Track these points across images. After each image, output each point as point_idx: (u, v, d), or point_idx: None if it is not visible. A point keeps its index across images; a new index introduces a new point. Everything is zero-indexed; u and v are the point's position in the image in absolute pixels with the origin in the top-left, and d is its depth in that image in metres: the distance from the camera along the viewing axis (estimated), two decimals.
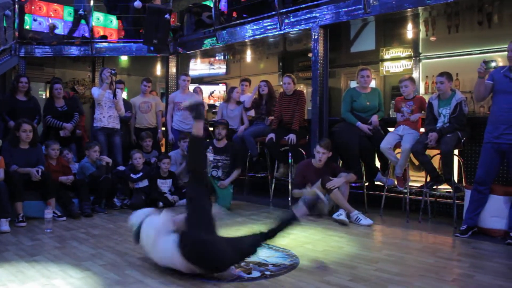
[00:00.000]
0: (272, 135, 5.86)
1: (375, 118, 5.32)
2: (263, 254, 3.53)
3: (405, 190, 5.05)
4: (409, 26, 7.59)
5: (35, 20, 9.75)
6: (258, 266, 3.25)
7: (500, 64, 5.79)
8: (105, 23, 11.02)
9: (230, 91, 7.10)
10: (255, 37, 6.63)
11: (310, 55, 6.09)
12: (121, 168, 5.94)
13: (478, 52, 6.98)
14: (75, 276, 3.02)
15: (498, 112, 4.13)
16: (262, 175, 6.62)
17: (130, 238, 4.05)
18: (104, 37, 9.89)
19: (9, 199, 4.60)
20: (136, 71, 10.63)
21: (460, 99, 4.67)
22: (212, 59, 10.70)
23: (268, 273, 3.11)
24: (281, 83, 7.00)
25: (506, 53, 4.19)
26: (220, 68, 10.96)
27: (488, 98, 4.47)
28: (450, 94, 4.78)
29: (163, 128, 7.69)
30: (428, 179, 4.91)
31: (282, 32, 6.24)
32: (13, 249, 3.72)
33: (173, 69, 8.47)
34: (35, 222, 4.73)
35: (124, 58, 10.05)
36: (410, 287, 2.84)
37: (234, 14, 7.64)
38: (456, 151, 4.85)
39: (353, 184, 5.40)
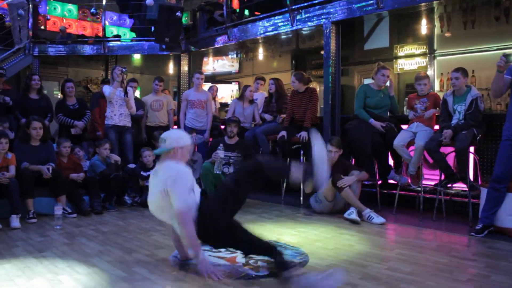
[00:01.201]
0: (283, 133, 5.79)
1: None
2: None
3: (419, 189, 4.94)
4: (424, 22, 7.48)
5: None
6: (267, 264, 3.19)
7: None
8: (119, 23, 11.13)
9: (244, 89, 7.05)
10: (267, 34, 6.57)
11: (322, 52, 6.02)
12: (132, 165, 5.93)
13: (495, 48, 6.84)
14: (82, 272, 3.00)
15: None
16: None
17: (139, 236, 4.05)
18: (117, 36, 9.94)
19: (20, 195, 4.62)
20: (149, 70, 10.67)
21: (475, 95, 4.55)
22: (224, 57, 10.66)
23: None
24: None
25: None
26: (232, 67, 10.94)
27: (506, 95, 4.36)
28: (465, 90, 4.66)
29: (175, 126, 7.68)
30: (443, 177, 4.79)
31: (294, 28, 6.18)
32: (22, 245, 3.72)
33: (185, 68, 8.46)
34: (46, 219, 4.74)
35: (137, 57, 10.08)
36: (423, 286, 2.75)
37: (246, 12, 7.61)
38: (471, 149, 4.73)
39: (366, 182, 5.31)
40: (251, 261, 3.25)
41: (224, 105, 9.70)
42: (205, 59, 10.57)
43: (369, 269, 3.11)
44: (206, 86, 8.34)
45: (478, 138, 4.53)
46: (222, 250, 3.52)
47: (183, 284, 2.79)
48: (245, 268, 3.09)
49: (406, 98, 5.95)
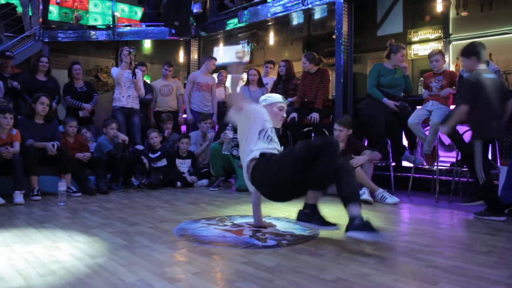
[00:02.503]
0: (294, 115, 5.64)
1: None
2: (280, 226, 3.34)
3: (434, 169, 4.76)
4: (439, 5, 7.26)
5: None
6: (274, 236, 3.05)
7: None
8: (129, 15, 11.02)
9: (248, 73, 6.92)
10: (277, 14, 6.42)
11: (334, 37, 5.85)
12: (140, 147, 5.82)
13: None
14: (81, 241, 2.87)
15: None
16: None
17: (144, 211, 3.93)
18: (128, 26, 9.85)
19: (25, 172, 4.53)
20: (159, 58, 10.55)
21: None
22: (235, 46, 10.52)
23: (285, 242, 2.90)
24: None
25: None
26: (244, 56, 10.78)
27: None
28: None
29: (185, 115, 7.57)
30: (459, 158, 4.60)
31: (305, 7, 6.03)
32: (24, 218, 3.62)
33: (195, 55, 8.36)
34: (50, 197, 4.65)
35: (147, 46, 9.99)
36: (441, 256, 2.58)
37: None
38: None
39: (379, 164, 5.14)
40: (258, 233, 3.11)
41: None
42: (215, 48, 10.43)
43: (383, 241, 2.94)
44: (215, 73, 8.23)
45: None
46: (228, 223, 3.40)
47: (184, 252, 2.65)
48: (252, 239, 2.95)
49: (421, 78, 5.76)
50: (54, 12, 9.45)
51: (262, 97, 3.40)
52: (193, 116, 6.71)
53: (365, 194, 4.50)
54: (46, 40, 8.32)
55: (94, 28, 8.65)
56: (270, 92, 6.58)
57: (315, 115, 5.43)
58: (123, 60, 6.09)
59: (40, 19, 8.34)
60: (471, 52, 3.89)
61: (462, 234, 3.16)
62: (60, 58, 9.54)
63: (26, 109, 5.03)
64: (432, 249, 2.73)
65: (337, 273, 2.24)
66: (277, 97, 3.36)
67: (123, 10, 11.07)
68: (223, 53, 10.57)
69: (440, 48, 7.49)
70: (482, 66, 3.85)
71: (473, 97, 3.71)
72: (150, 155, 5.66)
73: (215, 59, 6.96)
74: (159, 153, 5.67)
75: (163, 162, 5.68)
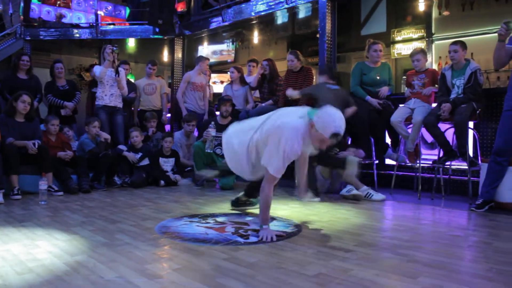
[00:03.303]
0: None
1: (384, 89, 5.07)
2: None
3: (417, 166, 4.79)
4: (421, 5, 7.33)
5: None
6: (256, 233, 3.04)
7: None
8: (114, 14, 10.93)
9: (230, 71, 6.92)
10: (261, 13, 6.41)
11: (318, 35, 5.86)
12: (122, 147, 5.76)
13: (494, 31, 6.66)
14: (61, 239, 2.83)
15: None
16: None
17: (126, 210, 3.89)
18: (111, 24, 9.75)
19: (4, 171, 4.47)
20: (143, 57, 10.46)
21: (475, 68, 4.40)
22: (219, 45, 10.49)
23: None
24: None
25: None
26: (228, 55, 10.76)
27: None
28: (464, 63, 4.51)
29: (169, 115, 7.52)
30: (441, 155, 4.64)
31: (289, 6, 6.03)
32: (3, 217, 3.56)
33: (179, 53, 8.30)
34: (31, 196, 4.59)
35: (131, 45, 9.90)
36: (422, 251, 2.59)
37: None
38: (471, 124, 4.59)
39: (362, 162, 5.16)
40: (240, 230, 3.10)
41: (218, 95, 9.53)
42: (200, 47, 10.39)
43: (365, 237, 2.95)
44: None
45: (477, 112, 4.38)
46: (211, 220, 3.40)
47: (166, 248, 2.63)
48: (234, 236, 2.94)
49: (404, 77, 5.80)
50: (36, 10, 9.34)
51: (321, 116, 2.77)
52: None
53: (354, 190, 4.52)
54: (28, 38, 8.20)
55: (77, 26, 8.54)
56: (254, 90, 6.58)
57: None
58: (106, 58, 6.03)
59: (21, 17, 8.23)
60: (323, 71, 5.10)
61: (443, 230, 3.18)
62: (42, 57, 9.42)
63: (7, 107, 4.94)
64: (413, 245, 2.74)
65: (319, 268, 2.24)
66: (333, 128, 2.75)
67: (106, 8, 10.98)
68: (208, 52, 10.54)
69: (422, 47, 7.57)
70: (331, 82, 4.93)
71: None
72: (134, 155, 5.62)
73: (208, 59, 7.01)
74: (140, 154, 5.62)
75: (145, 161, 5.64)
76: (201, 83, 6.78)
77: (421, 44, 7.56)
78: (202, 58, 6.87)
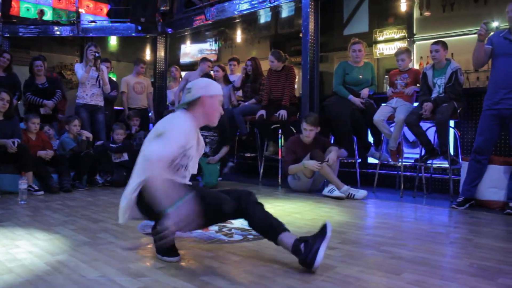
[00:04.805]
0: (262, 112, 5.63)
1: (365, 91, 5.12)
2: (246, 222, 3.31)
3: (399, 164, 4.84)
4: (403, 5, 7.41)
5: None
6: (240, 231, 3.03)
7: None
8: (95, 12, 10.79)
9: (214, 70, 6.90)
10: (244, 12, 6.40)
11: (301, 35, 5.87)
12: (100, 142, 5.69)
13: (474, 32, 6.77)
14: (42, 238, 2.78)
15: (497, 76, 3.93)
16: (252, 155, 6.41)
17: (108, 209, 3.85)
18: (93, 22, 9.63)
19: None
20: (125, 56, 10.37)
21: (455, 68, 4.46)
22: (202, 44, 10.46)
23: (250, 236, 2.88)
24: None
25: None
26: (211, 54, 10.72)
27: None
28: (445, 63, 4.57)
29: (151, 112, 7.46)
30: (423, 154, 4.70)
31: (272, 4, 6.02)
32: None
33: (161, 52, 8.22)
34: (10, 196, 4.49)
35: (113, 43, 9.79)
36: (405, 248, 2.62)
37: None
38: (452, 123, 4.65)
39: (345, 161, 5.19)
40: (224, 229, 3.09)
41: None
42: (182, 45, 10.34)
43: (349, 235, 2.97)
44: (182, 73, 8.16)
45: (458, 111, 4.44)
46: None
47: (149, 247, 2.60)
48: (218, 235, 2.93)
49: (386, 76, 5.85)
50: (15, 7, 9.17)
51: (196, 84, 2.47)
52: None
53: (336, 191, 4.54)
54: (6, 35, 8.04)
55: (57, 23, 8.41)
56: (239, 90, 6.57)
57: (283, 113, 5.43)
58: (88, 59, 5.93)
59: (0, 13, 8.07)
60: None
61: (426, 227, 3.22)
62: (21, 54, 9.25)
63: None
64: (396, 242, 2.77)
65: None
66: (218, 88, 2.52)
67: (88, 6, 10.84)
68: (190, 51, 10.51)
69: (401, 47, 7.64)
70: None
71: None
72: (112, 145, 5.56)
73: (210, 61, 6.98)
74: (120, 144, 5.56)
75: (125, 157, 5.56)
76: None
77: (403, 45, 7.63)
78: (204, 60, 6.90)
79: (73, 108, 6.35)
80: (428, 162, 4.67)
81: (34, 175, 4.82)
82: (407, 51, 5.06)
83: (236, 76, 7.01)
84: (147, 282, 2.00)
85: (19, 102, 6.23)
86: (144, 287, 1.93)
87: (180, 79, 7.58)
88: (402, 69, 5.01)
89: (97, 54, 5.88)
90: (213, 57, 10.75)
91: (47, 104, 6.09)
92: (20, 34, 8.09)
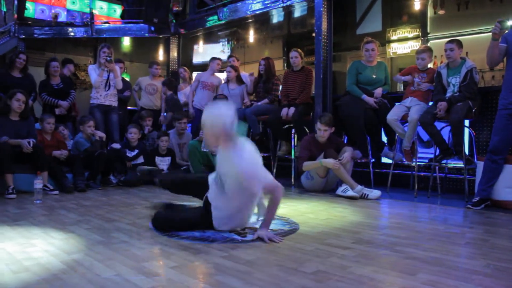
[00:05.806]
0: (292, 110, 5.55)
1: (379, 91, 5.08)
2: (259, 222, 3.32)
3: (413, 164, 4.80)
4: (417, 4, 7.34)
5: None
6: (254, 231, 3.03)
7: None
8: (108, 13, 10.86)
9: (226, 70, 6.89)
10: (257, 11, 6.40)
11: (314, 35, 5.85)
12: (116, 145, 5.73)
13: (489, 30, 6.68)
14: (57, 238, 2.81)
15: None
16: (265, 155, 6.39)
17: (122, 208, 3.88)
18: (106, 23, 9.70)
19: None
20: (138, 57, 10.41)
21: (470, 67, 4.42)
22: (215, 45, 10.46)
23: None
24: (285, 68, 6.79)
25: None
26: (223, 55, 10.72)
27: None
28: (459, 62, 4.53)
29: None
30: (437, 153, 4.65)
31: (284, 4, 6.01)
32: None
33: (174, 52, 8.28)
34: (26, 195, 4.55)
35: (126, 44, 9.84)
36: (420, 248, 2.59)
37: None
38: (467, 123, 4.60)
39: (358, 161, 5.16)
40: (238, 228, 3.09)
41: None
42: (195, 46, 10.35)
43: (363, 235, 2.95)
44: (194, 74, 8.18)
45: (473, 110, 4.39)
46: None
47: (163, 246, 2.61)
48: (231, 234, 2.93)
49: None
50: (30, 8, 9.28)
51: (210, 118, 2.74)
52: (194, 112, 6.71)
53: (349, 191, 4.52)
54: (22, 36, 8.14)
55: (71, 25, 8.49)
56: (251, 90, 6.55)
57: (289, 110, 5.45)
58: (100, 62, 5.98)
59: (15, 15, 8.17)
60: None
61: (441, 228, 3.19)
62: (36, 56, 9.35)
63: (1, 106, 4.89)
64: (411, 242, 2.75)
65: (317, 265, 2.23)
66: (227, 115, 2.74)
67: (101, 8, 10.92)
68: (203, 51, 10.50)
69: (418, 46, 7.57)
70: None
71: None
72: (128, 154, 5.59)
73: (220, 59, 7.04)
74: (136, 151, 5.61)
75: (141, 159, 5.62)
76: (212, 83, 6.83)
77: (417, 44, 7.56)
78: (213, 59, 6.95)
79: (87, 109, 6.41)
80: (443, 162, 4.62)
81: (49, 175, 4.87)
82: (429, 51, 5.01)
83: (243, 75, 6.99)
84: (162, 281, 2.01)
85: (34, 102, 6.29)
86: (158, 286, 1.94)
87: (189, 80, 7.57)
88: (421, 68, 4.96)
89: (108, 58, 5.93)
90: (225, 58, 10.77)
91: (62, 104, 6.16)
92: (35, 35, 8.18)
